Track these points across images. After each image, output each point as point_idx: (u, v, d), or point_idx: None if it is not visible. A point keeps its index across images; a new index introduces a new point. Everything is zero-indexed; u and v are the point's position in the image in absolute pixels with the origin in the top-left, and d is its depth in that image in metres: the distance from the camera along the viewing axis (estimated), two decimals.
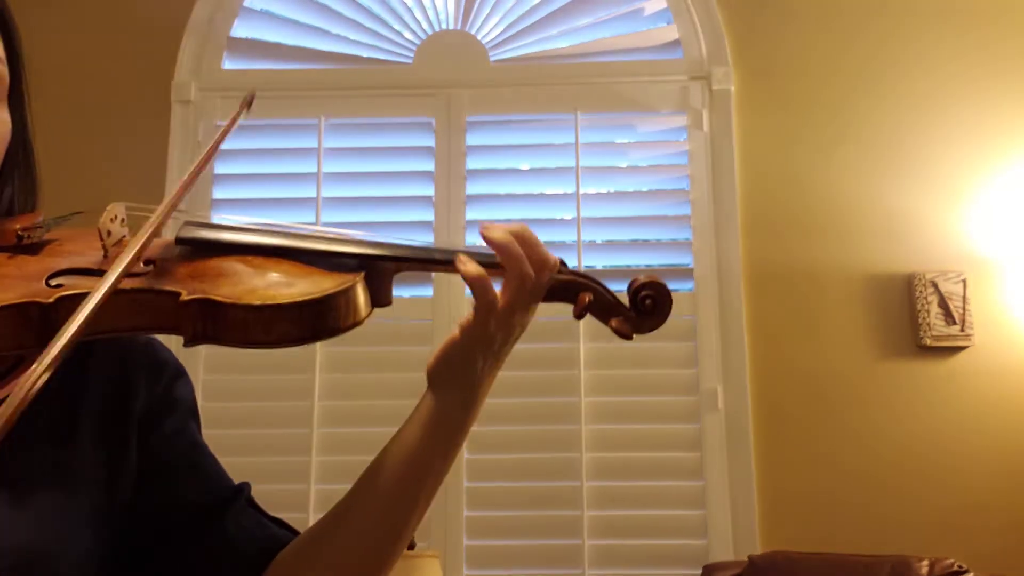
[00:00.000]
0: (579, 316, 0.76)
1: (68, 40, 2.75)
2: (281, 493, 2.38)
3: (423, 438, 0.76)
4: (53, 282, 0.69)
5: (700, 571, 2.23)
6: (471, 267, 0.72)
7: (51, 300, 0.66)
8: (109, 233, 0.73)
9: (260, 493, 0.85)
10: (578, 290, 0.77)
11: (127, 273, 0.66)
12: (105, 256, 0.72)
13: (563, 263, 0.78)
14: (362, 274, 0.73)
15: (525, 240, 0.72)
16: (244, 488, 0.84)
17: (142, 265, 0.71)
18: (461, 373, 0.75)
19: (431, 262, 0.76)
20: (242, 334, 0.67)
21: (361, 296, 0.73)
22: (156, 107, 2.72)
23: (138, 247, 0.66)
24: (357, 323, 0.72)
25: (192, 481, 0.81)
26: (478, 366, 0.75)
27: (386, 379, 2.48)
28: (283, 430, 2.50)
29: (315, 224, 2.61)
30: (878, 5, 2.74)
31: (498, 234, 0.71)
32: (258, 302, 0.67)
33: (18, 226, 0.73)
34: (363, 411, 2.47)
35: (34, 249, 0.74)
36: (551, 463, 2.45)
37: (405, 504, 0.76)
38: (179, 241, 0.75)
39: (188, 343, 0.68)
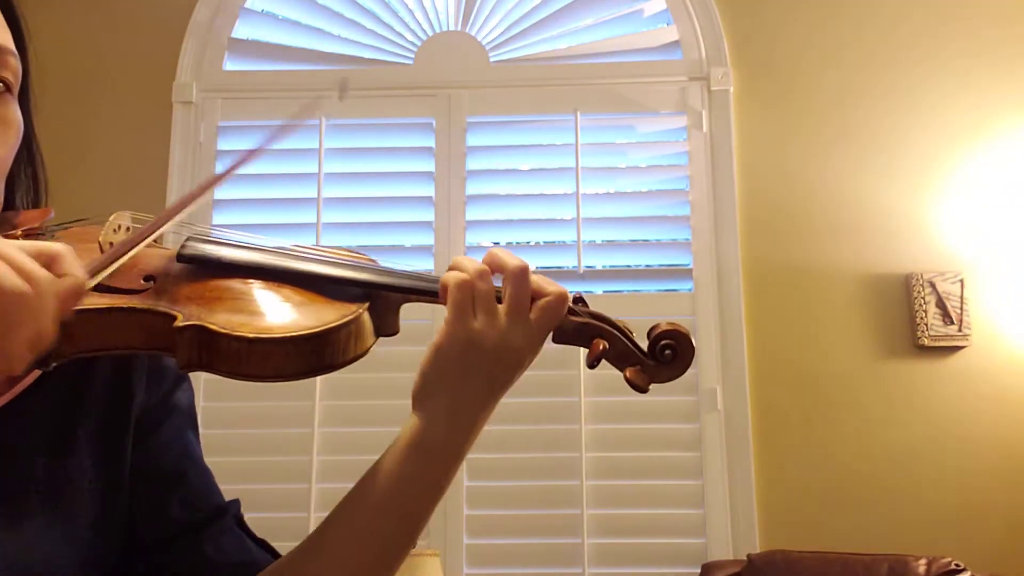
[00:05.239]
0: (592, 365, 0.70)
1: (69, 41, 2.76)
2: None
3: (404, 463, 0.70)
4: None
5: (699, 570, 2.24)
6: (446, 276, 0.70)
7: None
8: (111, 244, 0.69)
9: (258, 520, 0.83)
10: (592, 335, 0.70)
11: (129, 290, 0.64)
12: None
13: (582, 301, 0.72)
14: (367, 304, 0.69)
15: (496, 264, 0.70)
16: (231, 507, 0.80)
17: (142, 281, 0.68)
18: (444, 381, 0.70)
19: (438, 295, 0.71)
20: (236, 366, 0.64)
21: (364, 328, 0.68)
22: (157, 108, 2.73)
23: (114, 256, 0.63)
24: (358, 356, 0.68)
25: (177, 495, 0.78)
26: (463, 372, 0.69)
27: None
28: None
29: (318, 221, 2.63)
30: (877, 7, 2.75)
31: (449, 277, 0.70)
32: (252, 334, 0.64)
33: (20, 232, 0.70)
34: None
35: None
36: (551, 462, 2.46)
37: (382, 537, 0.71)
38: (180, 258, 0.71)
39: (183, 369, 0.65)
